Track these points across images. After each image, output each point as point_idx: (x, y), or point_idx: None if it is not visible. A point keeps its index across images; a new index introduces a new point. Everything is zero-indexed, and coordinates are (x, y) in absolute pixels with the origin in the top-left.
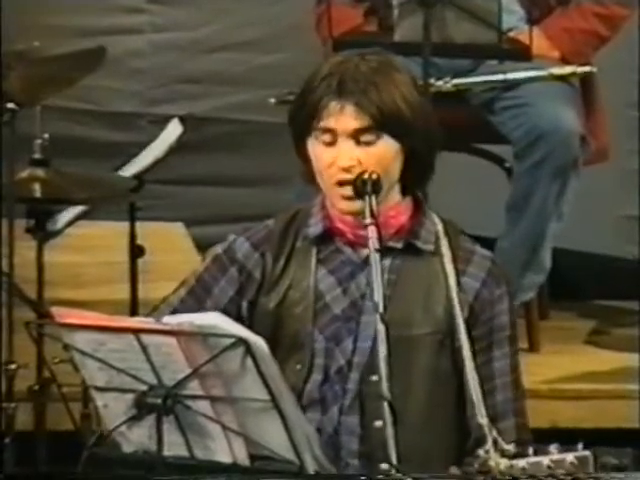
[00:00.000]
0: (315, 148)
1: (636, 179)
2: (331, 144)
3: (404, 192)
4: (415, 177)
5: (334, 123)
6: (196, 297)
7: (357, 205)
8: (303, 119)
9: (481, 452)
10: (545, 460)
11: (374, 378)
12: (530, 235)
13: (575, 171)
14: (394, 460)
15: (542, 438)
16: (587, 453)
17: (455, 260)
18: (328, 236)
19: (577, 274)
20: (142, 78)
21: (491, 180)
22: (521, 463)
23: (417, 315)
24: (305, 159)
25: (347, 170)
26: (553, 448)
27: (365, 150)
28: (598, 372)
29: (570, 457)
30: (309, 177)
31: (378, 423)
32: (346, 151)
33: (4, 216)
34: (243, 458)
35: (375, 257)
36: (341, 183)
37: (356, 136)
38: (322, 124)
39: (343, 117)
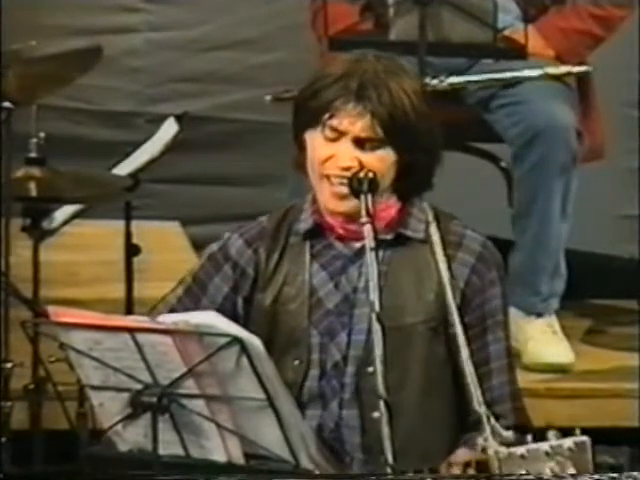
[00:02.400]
0: (315, 140)
1: (635, 178)
2: (333, 140)
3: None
4: (409, 188)
5: (347, 126)
6: (192, 295)
7: (347, 205)
8: (312, 112)
9: (480, 440)
10: (544, 446)
11: (370, 370)
12: (543, 240)
13: (574, 168)
14: (390, 457)
15: (538, 437)
16: (585, 438)
17: (446, 246)
18: (320, 231)
19: (576, 273)
20: (138, 77)
21: (486, 178)
22: (520, 450)
23: (410, 304)
24: (302, 148)
25: (346, 169)
26: (551, 435)
27: (364, 153)
28: (595, 371)
29: (568, 442)
30: (301, 167)
31: (375, 414)
32: (347, 151)
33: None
34: (238, 457)
35: (371, 256)
36: (329, 177)
37: (362, 142)
38: (334, 123)
39: (358, 123)
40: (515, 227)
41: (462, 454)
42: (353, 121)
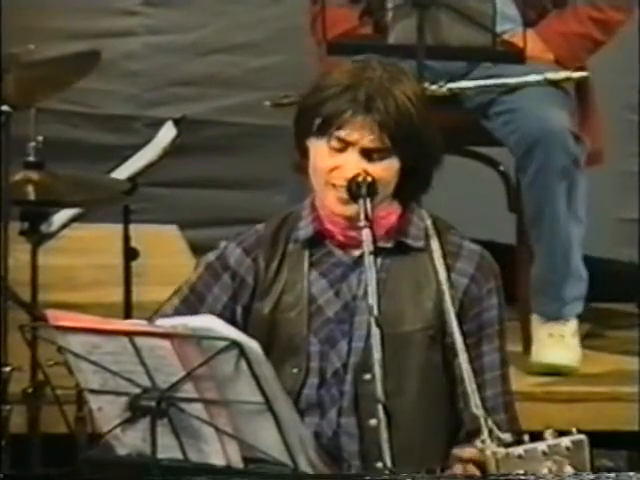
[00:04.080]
0: (320, 149)
1: (635, 182)
2: (339, 150)
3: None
4: (411, 191)
5: (356, 137)
6: (190, 306)
7: (351, 209)
8: (319, 122)
9: (478, 442)
10: (541, 446)
11: (367, 377)
12: (555, 246)
13: (579, 170)
14: (388, 462)
15: (536, 440)
16: (582, 437)
17: (444, 256)
18: (319, 238)
19: None
20: (136, 81)
21: (485, 182)
22: (517, 450)
23: (408, 312)
24: (304, 154)
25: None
26: (548, 434)
27: (371, 164)
28: (593, 374)
29: (566, 441)
30: (302, 170)
31: (373, 422)
32: (354, 161)
33: None
34: (237, 461)
35: (370, 260)
36: (334, 186)
37: (369, 153)
38: (342, 134)
39: (367, 134)
40: (531, 236)
41: (469, 451)
42: (362, 133)
